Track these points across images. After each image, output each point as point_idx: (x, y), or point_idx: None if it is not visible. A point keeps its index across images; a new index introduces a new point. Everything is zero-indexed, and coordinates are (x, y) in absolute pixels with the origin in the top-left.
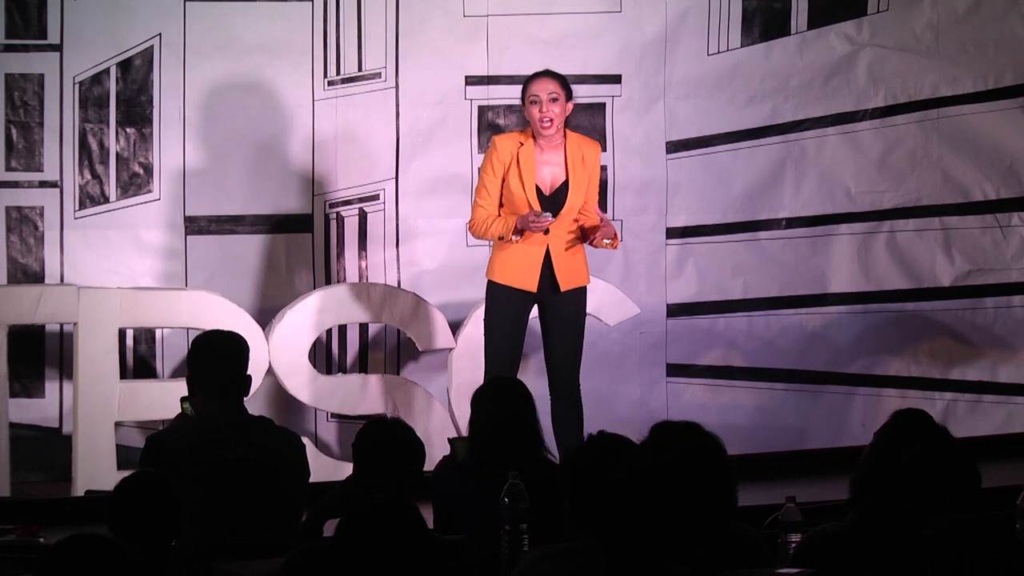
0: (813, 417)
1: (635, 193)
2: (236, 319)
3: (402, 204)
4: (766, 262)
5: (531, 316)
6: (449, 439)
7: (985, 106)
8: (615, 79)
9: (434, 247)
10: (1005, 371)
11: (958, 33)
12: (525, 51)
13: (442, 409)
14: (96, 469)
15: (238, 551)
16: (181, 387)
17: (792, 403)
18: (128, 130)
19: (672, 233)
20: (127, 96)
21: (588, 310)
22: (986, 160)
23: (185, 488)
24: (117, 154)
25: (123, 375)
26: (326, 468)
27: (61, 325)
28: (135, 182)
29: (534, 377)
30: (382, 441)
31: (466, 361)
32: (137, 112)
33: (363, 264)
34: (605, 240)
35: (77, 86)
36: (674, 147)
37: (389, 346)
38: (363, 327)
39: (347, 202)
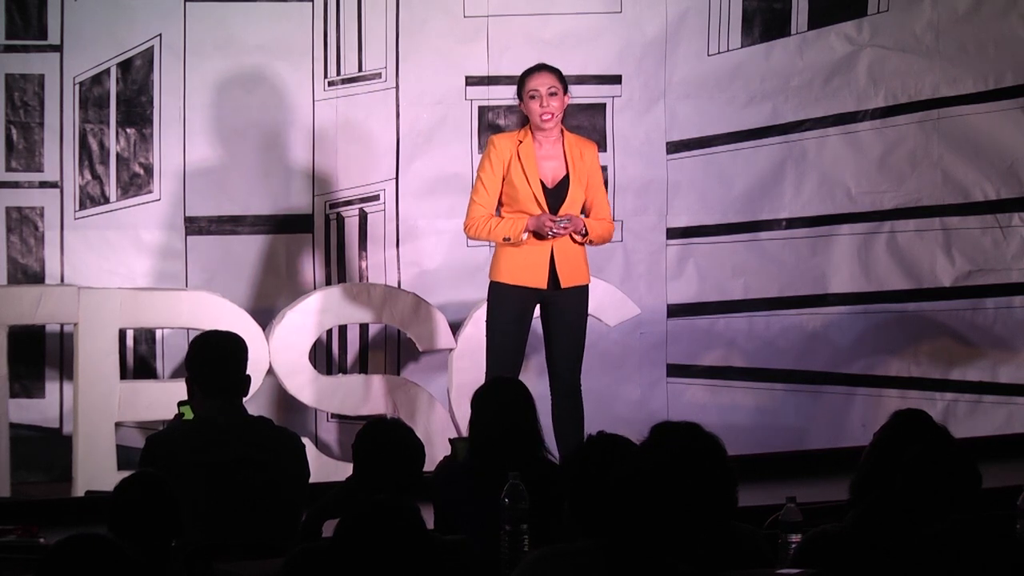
0: (813, 417)
1: (635, 193)
2: (236, 319)
3: (402, 204)
4: (766, 262)
5: (534, 316)
6: (450, 439)
7: (985, 106)
8: (615, 79)
9: (434, 247)
10: (1005, 371)
11: (958, 33)
12: (525, 51)
13: (442, 410)
14: (96, 469)
15: (238, 551)
16: (181, 387)
17: (792, 403)
18: (128, 130)
19: (672, 233)
20: (127, 96)
21: (588, 310)
22: (986, 160)
23: (185, 488)
24: (117, 154)
25: (123, 375)
26: (326, 468)
27: (61, 325)
28: (135, 182)
29: (535, 377)
30: (382, 442)
31: (466, 361)
32: (137, 112)
33: (363, 264)
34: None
35: (77, 86)
36: (674, 147)
37: (389, 346)
38: (363, 327)
39: (347, 202)
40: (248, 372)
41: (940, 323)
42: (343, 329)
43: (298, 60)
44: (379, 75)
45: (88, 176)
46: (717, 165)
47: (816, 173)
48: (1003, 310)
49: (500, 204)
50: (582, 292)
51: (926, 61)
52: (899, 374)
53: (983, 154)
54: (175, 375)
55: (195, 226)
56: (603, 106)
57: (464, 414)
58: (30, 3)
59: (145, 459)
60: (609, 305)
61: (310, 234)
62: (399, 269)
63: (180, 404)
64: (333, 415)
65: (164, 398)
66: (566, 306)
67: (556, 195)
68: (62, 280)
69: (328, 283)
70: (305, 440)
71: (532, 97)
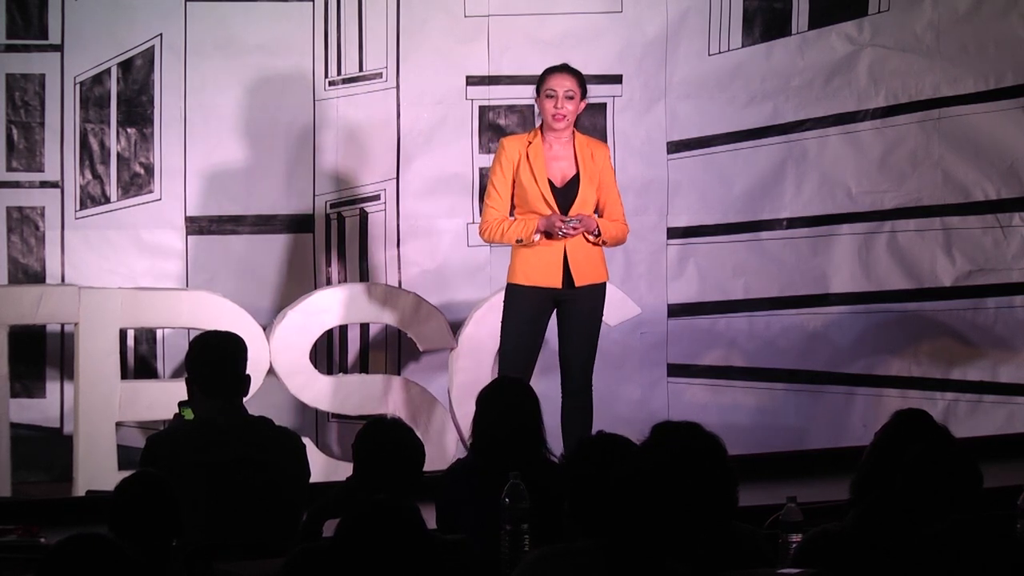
0: (814, 417)
1: (636, 193)
2: (237, 319)
3: (403, 204)
4: (767, 262)
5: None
6: (179, 403)
7: (986, 106)
8: (616, 79)
9: (435, 247)
10: (1006, 371)
11: (959, 33)
12: (526, 51)
13: (442, 410)
14: (97, 469)
15: (238, 551)
16: (182, 387)
17: (793, 403)
18: (129, 130)
19: (673, 233)
20: (128, 96)
21: None
22: (987, 160)
23: (185, 488)
24: (118, 154)
25: (124, 375)
26: (326, 468)
27: (62, 325)
28: (136, 182)
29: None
30: (382, 442)
31: (467, 361)
32: (138, 112)
33: (364, 264)
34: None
35: (78, 86)
36: (675, 147)
37: (390, 346)
38: (364, 327)
39: (348, 202)
40: (248, 372)
41: (941, 323)
42: (344, 329)
43: (298, 60)
44: (380, 75)
45: (89, 176)
46: (717, 165)
47: (817, 173)
48: (1004, 310)
49: (513, 206)
50: (598, 291)
51: (927, 61)
52: (900, 374)
53: (984, 154)
54: (175, 375)
55: (196, 226)
56: (603, 106)
57: (464, 414)
58: (31, 3)
59: (146, 459)
60: (610, 305)
61: (311, 234)
62: (400, 269)
63: (180, 404)
64: (333, 415)
65: (164, 398)
66: (581, 305)
67: (566, 195)
68: (63, 280)
69: (328, 283)
70: (305, 440)
71: (548, 96)
